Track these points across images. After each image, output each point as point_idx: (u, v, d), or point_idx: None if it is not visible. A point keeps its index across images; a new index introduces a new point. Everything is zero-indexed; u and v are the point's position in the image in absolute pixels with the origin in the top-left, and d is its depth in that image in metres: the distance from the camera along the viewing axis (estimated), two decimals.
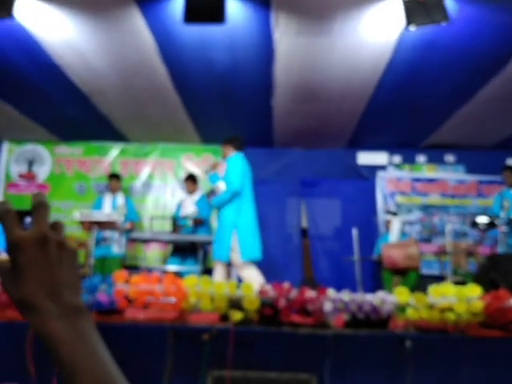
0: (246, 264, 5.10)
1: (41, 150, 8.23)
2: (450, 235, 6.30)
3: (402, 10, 4.19)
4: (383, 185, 7.87)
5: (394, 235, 6.67)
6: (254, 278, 4.94)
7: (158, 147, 8.20)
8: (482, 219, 5.99)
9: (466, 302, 3.05)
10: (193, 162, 8.15)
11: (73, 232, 7.21)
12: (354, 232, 6.53)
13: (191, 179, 6.95)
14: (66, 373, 0.58)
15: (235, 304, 3.10)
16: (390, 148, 8.00)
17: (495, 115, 6.62)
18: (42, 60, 5.38)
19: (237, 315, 3.03)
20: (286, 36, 4.87)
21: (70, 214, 7.40)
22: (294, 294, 3.08)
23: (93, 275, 5.38)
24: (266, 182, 7.72)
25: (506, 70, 5.33)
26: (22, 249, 0.60)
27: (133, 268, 6.98)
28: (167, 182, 8.16)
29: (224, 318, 3.11)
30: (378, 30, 4.75)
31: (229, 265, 5.23)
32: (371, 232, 7.50)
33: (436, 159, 8.01)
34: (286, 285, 3.17)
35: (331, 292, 3.16)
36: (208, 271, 5.57)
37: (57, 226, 0.64)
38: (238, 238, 5.10)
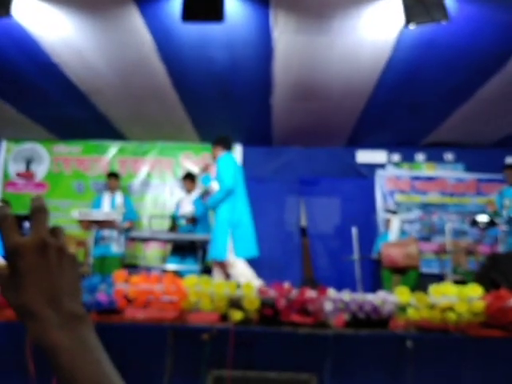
0: (235, 261, 5.13)
1: (39, 149, 8.21)
2: (449, 234, 6.30)
3: (401, 9, 4.18)
4: (382, 183, 7.86)
5: (393, 234, 6.66)
6: (244, 274, 4.96)
7: (156, 146, 8.18)
8: (482, 218, 5.99)
9: (467, 302, 3.05)
10: (191, 161, 8.13)
11: (72, 231, 7.19)
12: (354, 231, 6.53)
13: (189, 178, 6.93)
14: (65, 381, 0.57)
15: (235, 304, 3.09)
16: (390, 146, 8.00)
17: (494, 114, 6.61)
18: (39, 58, 5.36)
19: (237, 315, 3.02)
20: (284, 34, 4.85)
21: (68, 213, 7.39)
22: (294, 293, 3.07)
23: (92, 274, 5.39)
24: (264, 181, 7.72)
25: (506, 68, 5.32)
26: (21, 255, 0.58)
27: (132, 267, 6.98)
28: (166, 181, 8.14)
29: (224, 317, 3.10)
30: (377, 28, 4.73)
31: (221, 264, 5.25)
32: (370, 231, 7.50)
33: (435, 157, 8.00)
34: (287, 285, 3.16)
35: (331, 292, 3.15)
36: (207, 270, 5.57)
37: (56, 231, 0.63)
38: (234, 236, 5.13)
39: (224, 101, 6.48)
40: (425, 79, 5.72)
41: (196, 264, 5.87)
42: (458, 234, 7.42)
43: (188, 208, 6.68)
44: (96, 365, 0.58)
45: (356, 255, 6.53)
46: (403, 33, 4.72)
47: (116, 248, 6.62)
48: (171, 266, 5.99)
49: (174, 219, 6.69)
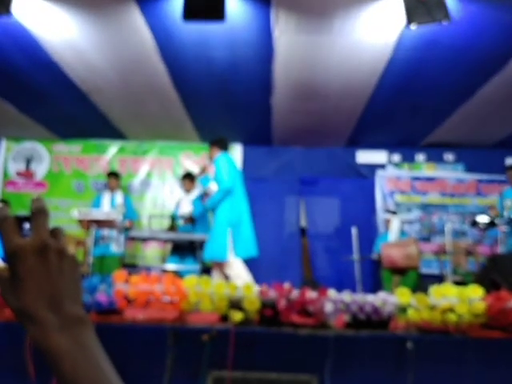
0: (234, 262, 5.13)
1: (39, 148, 8.20)
2: (449, 234, 6.29)
3: (402, 9, 4.18)
4: (382, 184, 7.86)
5: (393, 234, 6.66)
6: (241, 276, 4.97)
7: (156, 145, 8.17)
8: (482, 218, 5.98)
9: (468, 303, 3.04)
10: (191, 160, 8.12)
11: (71, 230, 7.18)
12: (354, 231, 6.52)
13: (188, 177, 6.91)
14: None
15: (235, 304, 3.08)
16: (390, 147, 7.99)
17: (495, 114, 6.61)
18: (40, 57, 5.35)
19: (237, 316, 3.01)
20: (285, 34, 4.85)
21: (68, 212, 7.38)
22: (294, 294, 3.07)
23: (92, 274, 5.38)
24: (265, 181, 7.71)
25: (506, 69, 5.32)
26: (22, 258, 0.58)
27: (131, 267, 6.97)
28: (165, 180, 8.14)
29: (224, 318, 3.10)
30: (378, 29, 4.73)
31: (219, 264, 5.25)
32: (370, 231, 7.50)
33: (435, 158, 8.00)
34: (287, 285, 3.15)
35: (332, 293, 3.15)
36: (207, 270, 5.56)
37: (56, 233, 0.62)
38: (233, 236, 5.13)
39: (224, 100, 6.48)
40: (425, 79, 5.71)
41: (195, 264, 5.86)
42: (458, 234, 7.42)
43: (187, 208, 6.67)
44: (97, 368, 0.58)
45: (356, 255, 6.52)
46: (404, 33, 4.71)
47: (115, 248, 6.61)
48: (171, 266, 5.98)
49: (174, 219, 6.69)
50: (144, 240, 6.78)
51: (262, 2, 4.39)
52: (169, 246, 6.69)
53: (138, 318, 3.10)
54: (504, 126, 7.12)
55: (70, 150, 8.19)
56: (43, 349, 0.57)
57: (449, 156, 7.99)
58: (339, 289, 3.33)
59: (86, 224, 5.81)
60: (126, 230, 6.55)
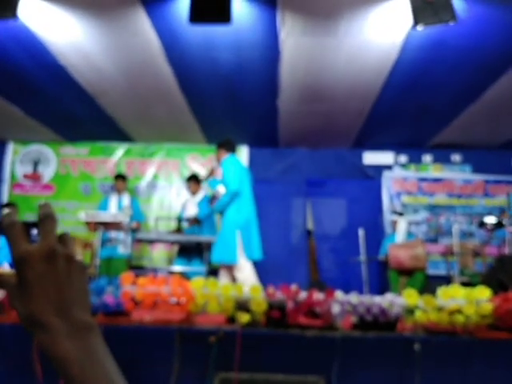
0: (244, 265, 5.10)
1: (46, 151, 8.24)
2: (456, 235, 6.27)
3: (409, 10, 4.17)
4: (389, 185, 7.84)
5: (400, 235, 6.64)
6: (250, 279, 4.94)
7: (163, 147, 8.19)
8: (490, 219, 5.96)
9: (475, 304, 3.03)
10: (198, 162, 8.14)
11: (78, 232, 7.21)
12: (360, 232, 6.51)
13: (194, 180, 6.92)
14: None
15: (242, 306, 3.08)
16: (396, 148, 7.98)
17: (502, 115, 6.58)
18: (46, 60, 5.37)
19: (244, 317, 3.01)
20: (291, 36, 4.85)
21: (75, 215, 7.41)
22: (301, 296, 3.06)
23: (99, 276, 5.39)
24: (271, 182, 7.71)
25: None
26: (30, 264, 0.58)
27: (138, 268, 6.99)
28: (172, 183, 8.15)
29: (231, 320, 3.10)
30: (384, 30, 4.72)
31: (229, 267, 5.22)
32: (377, 232, 7.48)
33: (442, 159, 7.98)
34: (294, 287, 3.15)
35: (339, 294, 3.14)
36: (214, 272, 5.56)
37: (65, 239, 0.62)
38: (242, 238, 5.11)
39: (230, 102, 6.49)
40: (432, 80, 5.70)
41: (202, 265, 5.86)
42: (465, 235, 7.39)
43: (192, 210, 6.68)
44: (105, 374, 0.58)
45: (363, 257, 6.51)
46: (410, 34, 4.70)
47: (123, 249, 6.63)
48: (177, 268, 5.99)
49: (180, 221, 6.71)
50: (151, 242, 6.79)
51: (268, 4, 4.39)
52: (175, 248, 6.71)
53: (145, 320, 3.10)
54: (511, 127, 7.09)
55: (77, 152, 8.23)
56: (51, 355, 0.57)
57: (456, 157, 7.96)
58: (346, 290, 3.32)
59: (93, 226, 5.83)
60: (134, 231, 6.57)
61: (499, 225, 5.94)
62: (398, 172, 7.93)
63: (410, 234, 6.86)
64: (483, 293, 3.12)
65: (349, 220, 7.80)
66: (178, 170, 8.17)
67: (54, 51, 5.20)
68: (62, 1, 4.45)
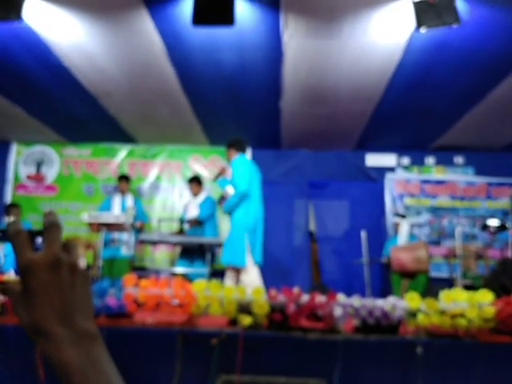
0: (251, 268, 5.07)
1: (49, 152, 8.26)
2: (459, 238, 6.27)
3: (411, 12, 4.17)
4: (392, 187, 7.84)
5: (402, 238, 6.64)
6: (255, 283, 4.89)
7: (165, 149, 8.20)
8: (493, 222, 5.96)
9: (478, 308, 3.03)
10: (201, 164, 8.14)
11: (81, 233, 7.23)
12: (363, 234, 6.51)
13: (196, 181, 6.92)
14: None
15: (244, 308, 3.08)
16: (399, 150, 7.97)
17: (505, 117, 6.58)
18: (50, 62, 5.39)
19: (246, 320, 3.01)
20: (294, 38, 4.85)
21: (78, 216, 7.42)
22: (303, 299, 3.07)
23: (101, 277, 5.40)
24: (273, 184, 7.71)
25: None
26: (34, 272, 0.58)
27: (141, 269, 6.99)
28: (175, 184, 8.16)
29: (233, 322, 3.10)
30: (387, 32, 4.72)
31: (237, 269, 5.19)
32: (380, 234, 7.47)
33: (445, 161, 7.97)
34: (296, 289, 3.15)
35: (341, 297, 3.14)
36: (216, 273, 5.56)
37: (69, 247, 0.63)
38: (250, 241, 5.06)
39: (233, 104, 6.49)
40: (435, 82, 5.69)
41: (204, 267, 5.85)
42: (468, 238, 7.38)
43: (194, 211, 6.68)
44: (107, 383, 0.58)
45: (365, 259, 6.51)
46: (414, 36, 4.70)
47: (126, 250, 6.63)
48: (180, 269, 5.99)
49: (182, 222, 6.71)
50: (153, 243, 6.80)
51: (271, 7, 4.40)
52: (178, 249, 6.71)
53: (147, 322, 3.11)
54: None
55: (80, 153, 8.25)
56: (54, 363, 0.57)
57: (459, 159, 7.95)
58: (348, 292, 3.32)
59: (96, 227, 5.85)
60: (138, 231, 6.57)
61: (502, 227, 5.93)
62: (400, 174, 7.92)
63: (412, 237, 6.85)
64: (486, 296, 3.11)
65: (351, 222, 7.80)
66: (180, 171, 8.18)
67: (57, 52, 5.21)
68: (66, 3, 4.46)
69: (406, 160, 8.00)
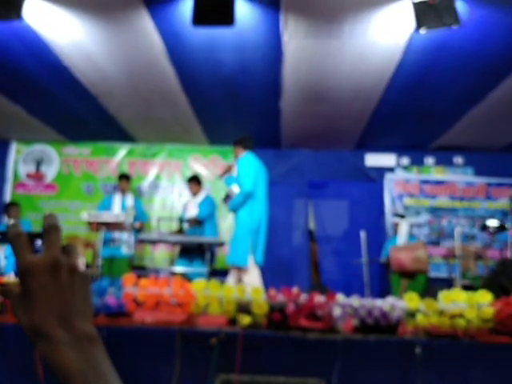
0: (252, 269, 5.06)
1: (49, 151, 8.26)
2: (458, 238, 6.27)
3: (411, 12, 4.16)
4: (391, 187, 7.84)
5: (402, 238, 6.64)
6: (255, 284, 4.87)
7: (165, 148, 8.20)
8: (492, 222, 5.96)
9: (477, 308, 3.03)
10: (200, 163, 8.15)
11: (80, 232, 7.23)
12: (362, 234, 6.51)
13: (195, 180, 6.91)
14: None
15: (244, 308, 3.09)
16: (399, 150, 7.98)
17: (505, 117, 6.58)
18: (50, 61, 5.39)
19: (245, 319, 3.02)
20: (294, 38, 4.85)
21: (77, 214, 7.41)
22: (302, 298, 3.07)
23: (101, 276, 5.40)
24: (273, 184, 7.68)
25: None
26: (33, 274, 0.58)
27: (140, 269, 7.00)
28: (174, 183, 8.16)
29: (232, 321, 3.11)
30: (387, 33, 4.72)
31: (239, 269, 5.17)
32: (379, 234, 7.48)
33: (445, 161, 7.97)
34: (295, 289, 3.16)
35: (340, 297, 3.15)
36: (215, 273, 5.56)
37: (68, 250, 0.63)
38: (253, 242, 5.04)
39: (233, 104, 6.49)
40: (435, 83, 5.70)
41: (204, 266, 5.85)
42: (467, 238, 7.38)
43: (193, 211, 6.67)
44: None
45: (364, 259, 6.51)
46: (413, 36, 4.70)
47: (126, 250, 6.63)
48: (179, 269, 5.99)
49: (181, 222, 6.71)
50: (153, 242, 6.79)
51: (271, 7, 4.40)
52: (177, 249, 6.71)
53: (146, 321, 3.11)
54: None
55: (79, 152, 8.25)
56: (54, 365, 0.57)
57: (458, 159, 7.95)
58: (347, 292, 3.33)
59: (96, 226, 5.84)
60: (137, 231, 6.57)
61: (501, 228, 5.93)
62: (400, 174, 7.93)
63: (411, 237, 6.85)
64: (485, 297, 3.12)
65: (350, 222, 7.80)
66: (180, 170, 8.18)
67: (57, 52, 5.21)
68: (66, 2, 4.46)
69: (405, 160, 8.01)
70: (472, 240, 7.40)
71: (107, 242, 6.30)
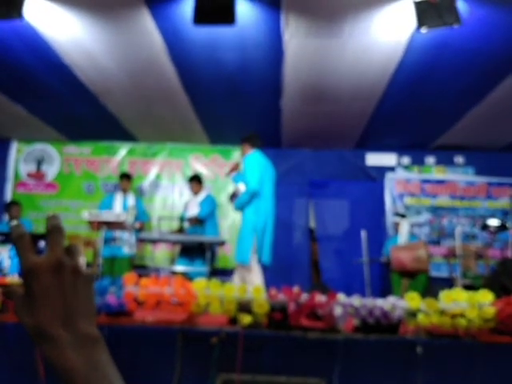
0: (254, 267, 5.05)
1: (50, 150, 8.26)
2: (459, 237, 6.27)
3: (412, 12, 4.16)
4: (392, 186, 7.84)
5: (402, 237, 6.64)
6: (255, 283, 4.85)
7: (166, 147, 8.20)
8: (493, 221, 5.96)
9: (478, 308, 3.03)
10: (201, 163, 8.14)
11: (81, 231, 7.22)
12: (363, 234, 6.50)
13: (196, 180, 6.90)
14: None
15: (244, 307, 3.09)
16: (399, 149, 7.97)
17: (505, 117, 6.57)
18: (51, 60, 5.38)
19: (246, 319, 3.02)
20: (295, 37, 4.85)
21: (78, 214, 7.40)
22: (303, 298, 3.07)
23: (102, 275, 5.40)
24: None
25: None
26: (37, 275, 0.58)
27: (141, 268, 6.99)
28: (175, 182, 8.16)
29: (233, 321, 3.10)
30: (388, 32, 4.72)
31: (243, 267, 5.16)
32: (380, 234, 7.47)
33: (445, 161, 7.96)
34: (296, 289, 3.16)
35: (341, 297, 3.15)
36: (216, 272, 5.55)
37: (72, 251, 0.62)
38: (257, 241, 5.03)
39: (234, 103, 6.49)
40: (435, 82, 5.69)
41: (204, 266, 5.85)
42: (468, 237, 7.38)
43: (194, 210, 6.67)
44: None
45: (365, 258, 6.50)
46: (414, 36, 4.70)
47: (127, 249, 6.63)
48: (180, 268, 5.99)
49: (182, 221, 6.71)
50: (153, 242, 6.79)
51: (272, 6, 4.39)
52: (178, 248, 6.71)
53: (147, 320, 3.11)
54: None
55: (80, 151, 8.25)
56: (57, 366, 0.57)
57: (459, 159, 7.95)
58: (348, 291, 3.33)
59: (96, 225, 5.84)
60: (138, 231, 6.57)
61: (502, 227, 5.93)
62: (400, 173, 7.92)
63: (412, 236, 6.85)
64: (486, 296, 3.11)
65: (351, 221, 7.80)
66: (181, 169, 8.17)
67: (58, 50, 5.21)
68: (66, 1, 4.46)
69: (406, 159, 8.00)
70: (473, 239, 7.40)
71: (108, 241, 6.30)
